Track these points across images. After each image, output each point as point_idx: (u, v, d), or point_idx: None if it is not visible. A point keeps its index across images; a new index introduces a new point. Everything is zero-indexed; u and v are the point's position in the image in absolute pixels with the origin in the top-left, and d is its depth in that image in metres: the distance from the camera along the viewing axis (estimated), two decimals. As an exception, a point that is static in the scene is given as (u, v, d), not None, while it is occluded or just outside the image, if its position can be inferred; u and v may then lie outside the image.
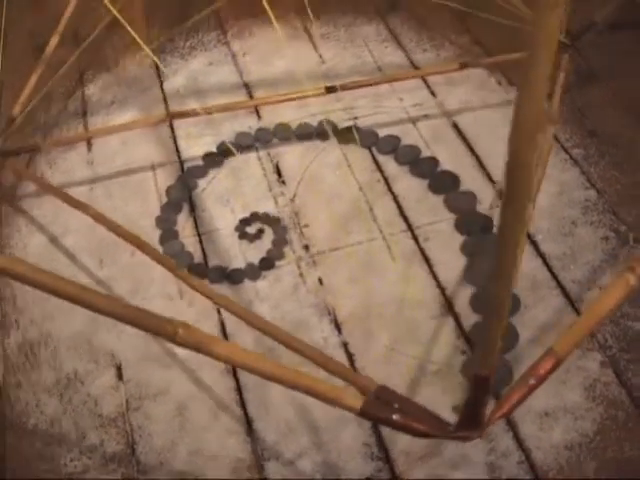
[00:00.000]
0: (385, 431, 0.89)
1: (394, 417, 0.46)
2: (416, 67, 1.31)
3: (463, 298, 1.01)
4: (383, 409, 0.46)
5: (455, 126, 1.22)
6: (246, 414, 0.91)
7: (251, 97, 1.26)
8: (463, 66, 1.07)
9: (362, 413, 0.45)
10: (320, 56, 1.35)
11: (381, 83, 1.13)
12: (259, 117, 1.26)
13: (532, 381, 0.50)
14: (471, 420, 0.48)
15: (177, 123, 1.25)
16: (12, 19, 1.33)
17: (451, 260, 1.05)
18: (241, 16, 1.45)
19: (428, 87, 1.28)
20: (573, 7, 1.01)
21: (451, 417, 0.58)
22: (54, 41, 1.19)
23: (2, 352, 0.99)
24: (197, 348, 0.42)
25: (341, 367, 0.46)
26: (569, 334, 0.50)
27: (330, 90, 1.03)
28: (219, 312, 1.01)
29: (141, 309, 0.44)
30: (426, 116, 1.24)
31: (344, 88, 1.03)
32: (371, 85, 1.07)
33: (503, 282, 0.37)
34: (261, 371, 0.44)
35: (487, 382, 0.43)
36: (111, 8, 0.95)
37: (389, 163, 1.18)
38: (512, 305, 0.99)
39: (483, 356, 0.42)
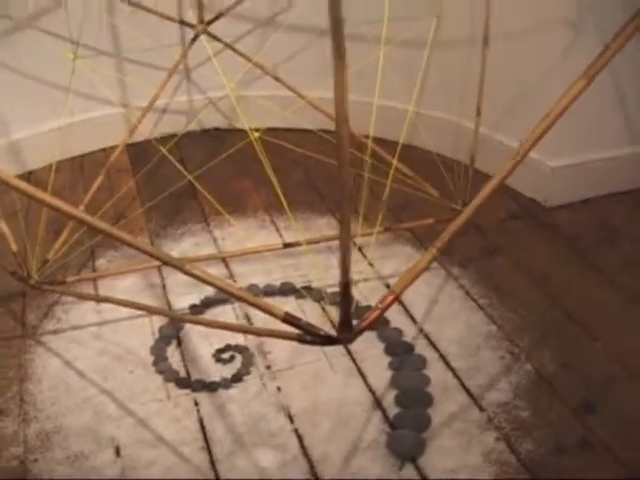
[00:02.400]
0: (322, 474, 1.23)
1: (304, 324, 0.84)
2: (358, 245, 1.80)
3: (389, 398, 1.39)
4: (297, 319, 0.85)
5: (387, 286, 1.68)
6: (217, 477, 1.25)
7: (227, 268, 1.72)
8: (386, 229, 1.56)
9: (284, 319, 0.84)
10: (283, 238, 1.84)
11: (324, 241, 1.60)
12: (234, 281, 1.71)
13: (380, 307, 0.89)
14: (345, 325, 0.86)
15: (168, 285, 1.69)
16: (34, 207, 1.83)
17: (381, 373, 1.44)
18: (221, 212, 1.96)
19: (364, 257, 1.75)
20: (468, 183, 1.52)
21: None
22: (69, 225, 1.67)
23: (23, 438, 1.34)
24: (193, 274, 0.81)
25: (260, 301, 0.85)
26: (404, 279, 0.90)
27: (287, 246, 1.50)
28: (198, 411, 1.38)
29: (156, 249, 0.84)
30: (365, 280, 1.70)
31: (297, 244, 1.50)
32: (317, 243, 1.54)
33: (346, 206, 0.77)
34: (225, 289, 0.84)
35: (348, 286, 0.83)
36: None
37: (334, 311, 1.61)
38: (426, 400, 1.38)
39: (342, 269, 0.82)
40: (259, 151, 1.05)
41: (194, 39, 1.96)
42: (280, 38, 2.11)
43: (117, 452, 1.29)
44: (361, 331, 0.87)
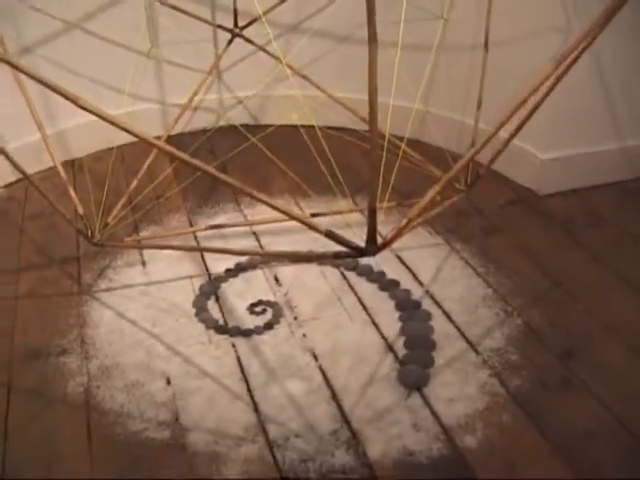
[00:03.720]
0: (345, 406, 1.49)
1: (341, 237, 1.10)
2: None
3: (399, 343, 1.64)
4: (336, 234, 1.10)
5: (398, 257, 1.94)
6: (254, 401, 1.50)
7: (257, 240, 1.99)
8: (398, 204, 1.83)
9: (327, 234, 1.10)
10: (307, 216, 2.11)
11: (340, 213, 1.87)
12: (262, 248, 1.98)
13: (398, 227, 1.14)
14: (371, 240, 1.12)
15: (205, 253, 1.96)
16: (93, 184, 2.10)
17: (392, 324, 1.70)
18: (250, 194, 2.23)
19: (379, 234, 2.02)
20: (469, 168, 1.79)
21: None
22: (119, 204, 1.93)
23: (86, 371, 1.59)
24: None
25: (308, 219, 1.10)
26: (415, 209, 1.16)
27: (314, 215, 1.76)
28: (236, 352, 1.64)
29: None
30: (379, 251, 1.96)
31: (322, 214, 1.77)
32: (339, 214, 1.81)
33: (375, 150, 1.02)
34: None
35: (374, 212, 1.08)
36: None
37: (352, 276, 1.88)
38: (431, 345, 1.64)
39: (371, 197, 1.07)
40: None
41: (230, 41, 2.23)
42: (304, 43, 2.39)
43: (168, 382, 1.54)
44: (384, 245, 1.13)
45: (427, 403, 1.46)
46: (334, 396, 1.49)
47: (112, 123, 1.01)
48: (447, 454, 1.36)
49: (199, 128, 2.57)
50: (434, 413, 1.44)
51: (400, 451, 1.36)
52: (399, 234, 1.13)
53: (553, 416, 1.43)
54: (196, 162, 1.02)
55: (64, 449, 1.38)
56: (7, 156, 1.44)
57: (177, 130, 2.51)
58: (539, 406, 1.46)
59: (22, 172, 1.47)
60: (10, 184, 2.34)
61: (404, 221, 1.13)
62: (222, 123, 2.60)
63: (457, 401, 1.47)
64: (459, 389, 1.50)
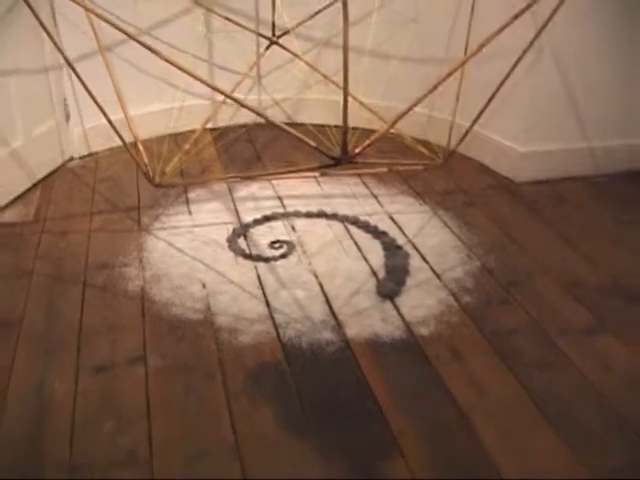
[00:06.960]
0: (334, 306, 2.06)
1: (324, 149, 1.68)
2: (375, 194, 2.66)
3: (381, 271, 2.21)
4: (320, 148, 1.69)
5: (391, 217, 2.53)
6: (267, 300, 2.08)
7: (281, 201, 2.60)
8: (389, 170, 2.42)
9: (315, 148, 1.68)
10: (322, 189, 2.72)
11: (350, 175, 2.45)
12: (284, 207, 2.58)
13: (362, 145, 1.73)
14: (344, 153, 1.69)
15: (239, 208, 2.57)
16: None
17: (378, 259, 2.28)
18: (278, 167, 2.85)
19: (379, 202, 2.61)
20: (450, 142, 2.37)
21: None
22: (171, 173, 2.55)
23: (142, 277, 2.19)
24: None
25: (302, 136, 1.69)
26: (369, 140, 1.73)
27: (322, 173, 2.36)
28: (256, 270, 2.23)
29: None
30: (376, 213, 2.55)
31: (331, 174, 2.36)
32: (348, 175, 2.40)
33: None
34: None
35: (346, 132, 1.65)
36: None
37: (352, 228, 2.46)
38: (405, 272, 2.20)
39: (343, 119, 1.64)
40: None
41: (267, 47, 2.87)
42: (330, 54, 3.02)
43: (203, 286, 2.12)
44: (354, 157, 1.71)
45: (395, 307, 2.02)
46: (327, 300, 2.05)
47: (183, 70, 1.58)
48: (405, 337, 1.90)
49: (241, 123, 3.19)
50: (400, 314, 1.99)
51: (370, 333, 1.91)
52: (364, 149, 1.70)
53: (490, 320, 1.97)
54: (260, 112, 1.62)
55: (124, 322, 1.95)
56: (111, 124, 2.05)
57: (223, 124, 3.14)
58: (481, 314, 1.99)
59: (119, 135, 2.09)
60: (84, 156, 2.99)
61: (367, 141, 1.71)
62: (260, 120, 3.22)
63: (418, 308, 2.02)
64: (422, 301, 2.05)
